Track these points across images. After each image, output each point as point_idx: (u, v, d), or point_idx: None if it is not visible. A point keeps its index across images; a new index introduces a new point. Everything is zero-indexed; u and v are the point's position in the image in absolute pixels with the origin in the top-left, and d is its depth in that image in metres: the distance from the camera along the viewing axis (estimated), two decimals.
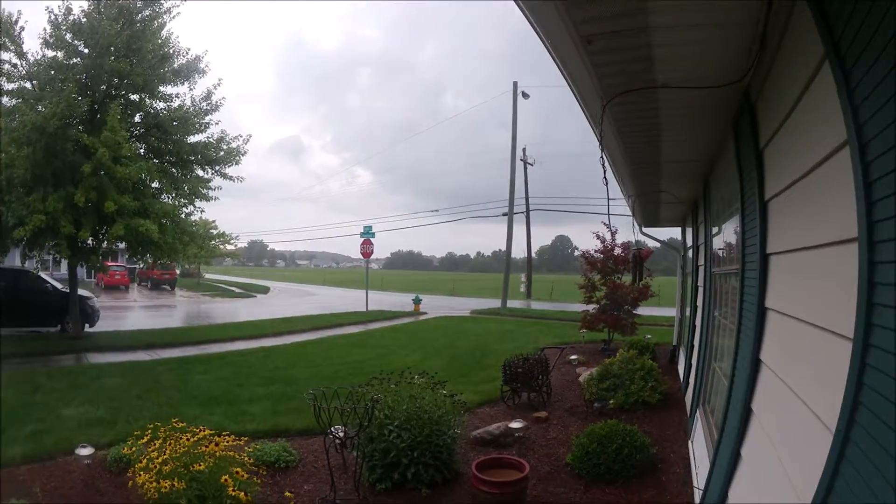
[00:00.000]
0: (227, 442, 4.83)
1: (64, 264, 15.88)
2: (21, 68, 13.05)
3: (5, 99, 12.84)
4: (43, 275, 15.96)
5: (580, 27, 2.56)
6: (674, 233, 12.75)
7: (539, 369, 8.26)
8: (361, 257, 27.83)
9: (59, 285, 15.91)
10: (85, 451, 5.80)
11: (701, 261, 7.85)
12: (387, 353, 13.34)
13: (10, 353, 12.21)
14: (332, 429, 5.20)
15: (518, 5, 2.44)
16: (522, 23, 2.67)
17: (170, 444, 4.50)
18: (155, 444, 4.59)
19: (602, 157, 4.65)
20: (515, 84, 31.28)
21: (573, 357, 11.69)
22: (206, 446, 4.61)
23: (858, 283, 1.52)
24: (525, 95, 31.80)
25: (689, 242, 10.41)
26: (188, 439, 4.53)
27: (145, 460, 4.43)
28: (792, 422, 2.15)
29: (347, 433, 5.22)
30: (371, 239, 26.90)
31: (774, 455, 2.32)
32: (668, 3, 2.36)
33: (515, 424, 6.60)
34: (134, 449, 4.94)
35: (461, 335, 17.41)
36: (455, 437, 5.69)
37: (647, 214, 10.00)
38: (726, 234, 5.13)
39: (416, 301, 26.18)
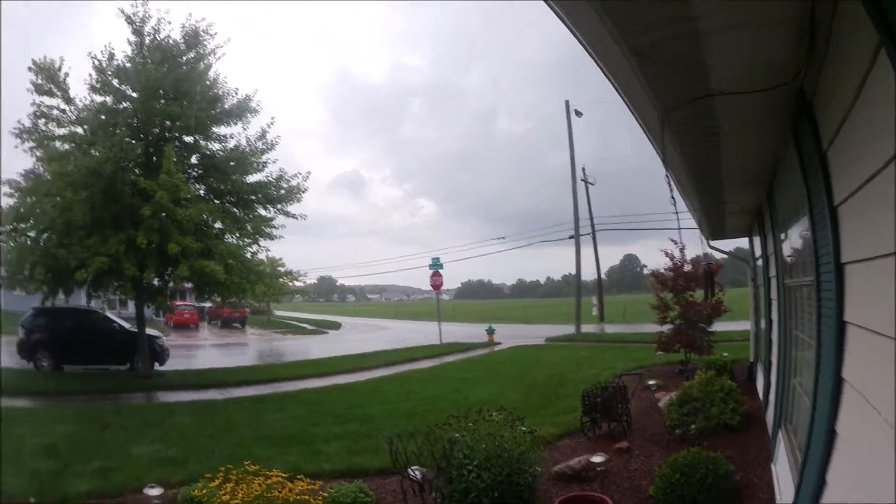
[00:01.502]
0: (302, 486, 4.82)
1: (131, 304, 16.45)
2: (70, 114, 13.51)
3: (57, 144, 13.37)
4: (110, 314, 16.68)
5: (629, 39, 2.50)
6: (741, 242, 12.21)
7: (618, 398, 8.11)
8: (432, 289, 28.10)
9: (126, 325, 16.51)
10: (154, 491, 5.88)
11: (772, 272, 7.39)
12: (462, 387, 13.22)
13: (77, 391, 12.70)
14: (410, 469, 5.18)
15: (562, 21, 2.43)
16: (571, 42, 2.67)
17: (242, 489, 4.54)
18: (227, 487, 4.63)
19: (667, 174, 4.53)
20: (567, 103, 30.90)
21: (651, 382, 11.34)
22: (280, 491, 4.63)
23: None
24: (578, 114, 31.42)
25: (758, 253, 9.91)
26: (261, 483, 4.57)
27: (216, 502, 4.46)
28: (880, 443, 1.95)
29: (425, 476, 5.16)
30: (440, 270, 27.09)
31: (862, 479, 2.10)
32: (712, 3, 2.26)
33: (597, 458, 6.42)
34: (205, 491, 4.96)
35: (536, 365, 17.14)
36: (536, 475, 5.58)
37: (714, 226, 9.62)
38: (795, 243, 4.83)
39: (490, 331, 25.89)
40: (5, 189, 12.98)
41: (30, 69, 13.07)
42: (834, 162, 2.74)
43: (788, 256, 5.49)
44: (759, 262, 9.93)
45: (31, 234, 13.28)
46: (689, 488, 5.20)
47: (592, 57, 2.78)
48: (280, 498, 4.51)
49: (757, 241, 9.93)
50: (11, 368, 14.63)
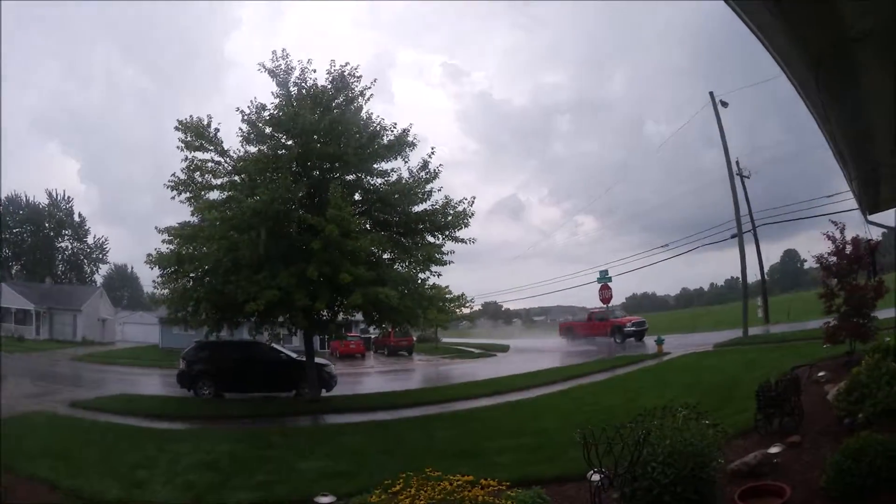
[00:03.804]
0: (490, 487, 4.45)
1: (295, 338, 16.99)
2: (226, 165, 14.36)
3: (216, 194, 14.27)
4: (275, 346, 17.32)
5: None
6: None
7: (791, 390, 8.04)
8: (600, 305, 27.37)
9: (293, 355, 17.13)
10: (325, 500, 5.84)
11: None
12: (636, 397, 12.74)
13: (243, 415, 13.18)
14: (593, 469, 5.16)
15: None
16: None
17: (425, 491, 4.14)
18: (408, 493, 4.29)
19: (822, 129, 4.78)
20: (712, 94, 28.55)
21: (820, 374, 10.79)
22: (468, 491, 4.22)
23: None
24: (724, 104, 29.01)
25: None
26: (448, 485, 4.13)
27: None
28: None
29: (616, 471, 5.17)
30: (608, 283, 26.19)
31: None
32: None
33: (774, 450, 6.53)
34: (383, 497, 4.74)
35: (707, 370, 16.44)
36: (718, 470, 5.45)
37: (870, 196, 8.93)
38: None
39: (659, 342, 24.76)
40: (164, 237, 13.95)
41: (176, 129, 14.09)
42: None
43: None
44: None
45: (193, 274, 14.07)
46: (860, 473, 5.08)
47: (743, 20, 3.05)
48: (468, 497, 3.97)
49: None
50: (169, 397, 15.73)
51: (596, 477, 5.21)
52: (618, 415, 9.63)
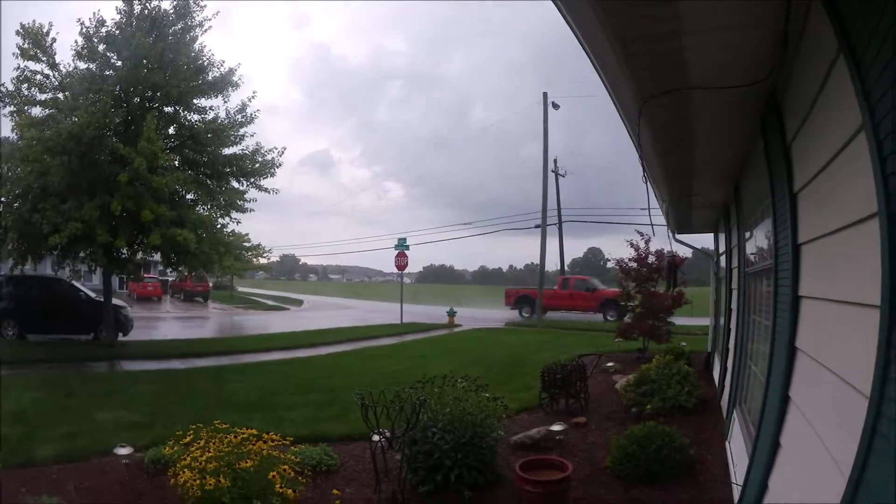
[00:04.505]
0: (273, 442, 4.93)
1: (95, 276, 16.16)
2: (54, 80, 13.29)
3: (38, 110, 13.17)
4: (76, 284, 16.31)
5: (616, 30, 2.71)
6: (706, 241, 12.76)
7: (577, 375, 8.40)
8: (395, 271, 27.92)
9: (92, 294, 16.24)
10: (124, 451, 5.87)
11: (734, 263, 7.89)
12: (423, 364, 13.30)
13: (42, 359, 12.49)
14: (375, 431, 5.34)
15: (559, 9, 2.62)
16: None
17: (214, 444, 4.61)
18: (198, 444, 4.69)
19: (641, 161, 4.84)
20: (545, 95, 31.23)
21: (609, 364, 11.71)
22: (253, 444, 4.72)
23: (881, 254, 1.62)
24: (555, 106, 31.75)
25: (722, 248, 10.43)
26: (234, 438, 4.67)
27: (189, 458, 4.50)
28: (829, 397, 2.24)
29: (394, 433, 5.34)
30: (406, 251, 27.03)
31: (813, 434, 2.39)
32: (697, 5, 2.51)
33: (556, 427, 6.74)
34: (175, 449, 4.94)
35: (497, 346, 17.42)
36: (498, 440, 5.82)
37: (681, 220, 10.06)
38: (757, 232, 5.20)
39: (451, 313, 25.75)
40: None
41: (17, 33, 12.81)
42: (796, 153, 3.05)
43: (751, 251, 5.87)
44: (723, 258, 10.44)
45: (4, 199, 12.99)
46: (645, 459, 5.42)
47: (580, 41, 2.94)
48: (253, 451, 4.60)
49: (721, 237, 10.45)
50: None
51: (375, 437, 5.42)
52: (404, 379, 9.96)
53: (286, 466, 4.59)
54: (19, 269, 14.38)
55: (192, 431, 4.91)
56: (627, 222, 32.58)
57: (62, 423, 7.23)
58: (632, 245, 13.77)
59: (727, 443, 6.11)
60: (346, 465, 6.19)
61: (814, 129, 2.59)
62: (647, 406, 7.86)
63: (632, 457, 5.51)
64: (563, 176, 39.16)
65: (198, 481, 4.29)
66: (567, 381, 8.30)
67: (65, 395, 9.03)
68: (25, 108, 13.12)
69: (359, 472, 5.98)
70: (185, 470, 4.39)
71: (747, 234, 6.16)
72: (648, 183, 6.25)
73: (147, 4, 13.52)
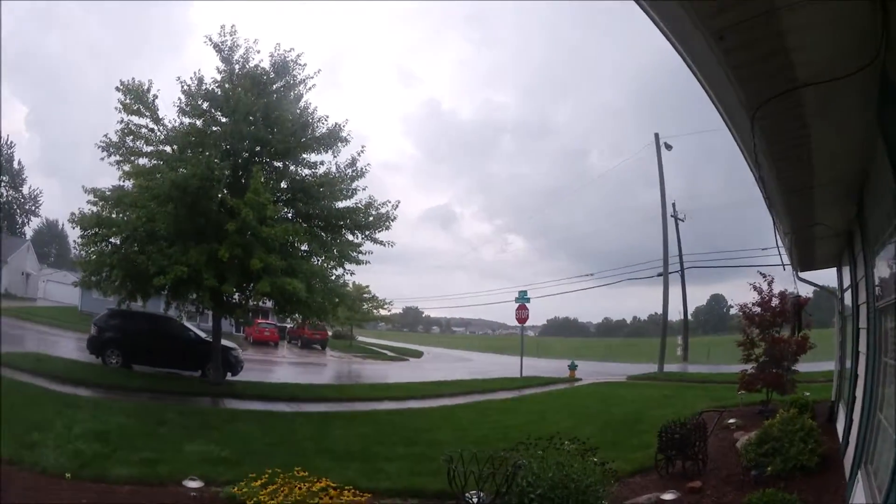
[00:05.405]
0: (347, 497, 4.64)
1: (209, 317, 16.84)
2: (159, 133, 14.29)
3: (144, 160, 14.21)
4: (187, 323, 17.16)
5: (708, 22, 2.63)
6: (829, 278, 11.52)
7: (696, 435, 7.94)
8: (517, 324, 27.64)
9: (202, 334, 17.03)
10: (193, 484, 5.89)
11: (861, 298, 6.91)
12: (539, 419, 12.99)
13: (142, 388, 13.09)
14: (467, 494, 5.12)
15: (647, 13, 2.70)
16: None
17: (284, 491, 4.35)
18: (270, 489, 4.48)
19: (759, 183, 4.66)
20: (657, 136, 30.12)
21: (731, 420, 10.93)
22: (323, 497, 4.43)
23: None
24: (668, 146, 30.62)
25: (847, 282, 9.29)
26: (301, 488, 4.35)
27: (255, 500, 4.27)
28: None
29: (482, 500, 5.10)
30: (526, 304, 26.75)
31: None
32: None
33: (667, 496, 6.35)
34: (245, 490, 4.92)
35: (616, 401, 16.79)
36: None
37: (803, 255, 9.37)
38: (888, 260, 4.49)
39: (572, 367, 25.12)
40: (89, 198, 13.84)
41: (117, 89, 13.85)
42: None
43: (879, 277, 5.24)
44: (847, 294, 9.30)
45: (112, 240, 13.93)
46: None
47: (678, 51, 2.96)
48: (322, 503, 4.20)
49: (846, 270, 9.42)
50: (77, 361, 15.49)
51: (475, 499, 5.24)
52: (515, 435, 9.57)
53: None
54: (126, 305, 15.39)
55: (267, 475, 4.78)
56: (749, 265, 30.35)
57: (144, 449, 7.49)
58: (755, 288, 13.03)
59: None
60: None
61: None
62: (769, 467, 7.27)
63: None
64: (683, 220, 37.24)
65: None
66: (685, 441, 7.80)
67: (155, 423, 9.43)
68: (132, 158, 14.19)
69: None
70: None
71: (875, 259, 5.42)
72: (771, 214, 6.02)
73: (245, 64, 14.51)
